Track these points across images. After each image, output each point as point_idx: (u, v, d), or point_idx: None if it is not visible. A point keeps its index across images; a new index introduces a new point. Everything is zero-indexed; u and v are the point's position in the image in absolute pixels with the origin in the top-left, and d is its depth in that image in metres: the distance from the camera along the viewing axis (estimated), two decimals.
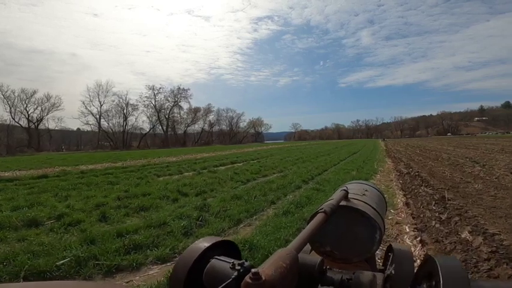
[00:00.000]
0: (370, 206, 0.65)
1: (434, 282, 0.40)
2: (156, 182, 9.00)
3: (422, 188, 7.76)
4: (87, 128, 77.07)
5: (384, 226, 0.66)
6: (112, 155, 31.73)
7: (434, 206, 6.18)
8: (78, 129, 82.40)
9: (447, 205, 6.30)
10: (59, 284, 0.34)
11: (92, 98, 73.67)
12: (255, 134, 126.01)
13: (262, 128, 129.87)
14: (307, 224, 0.53)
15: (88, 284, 0.42)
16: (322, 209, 0.56)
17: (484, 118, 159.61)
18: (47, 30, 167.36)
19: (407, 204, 6.38)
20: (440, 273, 0.38)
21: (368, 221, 0.62)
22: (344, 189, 0.68)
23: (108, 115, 76.22)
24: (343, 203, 0.64)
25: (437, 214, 5.64)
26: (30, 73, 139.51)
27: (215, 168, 12.50)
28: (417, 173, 10.13)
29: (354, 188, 0.75)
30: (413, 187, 7.97)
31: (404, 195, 7.08)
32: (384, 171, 11.15)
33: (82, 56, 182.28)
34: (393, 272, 0.55)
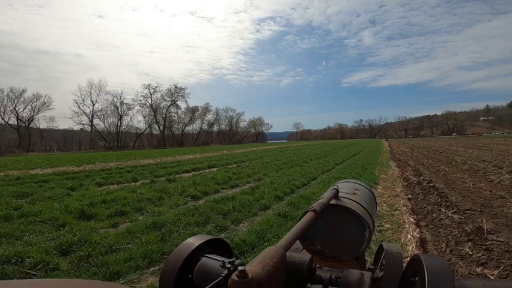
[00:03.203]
0: (360, 204, 0.64)
1: (420, 281, 0.40)
2: (79, 195, 6.71)
3: (442, 209, 5.38)
4: (85, 127, 74.89)
5: (374, 225, 0.64)
6: (93, 156, 29.51)
7: (468, 247, 3.82)
8: (81, 129, 79.76)
9: (488, 243, 3.95)
10: (58, 282, 0.34)
11: (84, 97, 71.36)
12: (256, 134, 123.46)
13: (263, 128, 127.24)
14: (298, 222, 0.50)
15: (86, 282, 0.40)
16: (312, 207, 0.55)
17: (489, 118, 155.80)
18: (52, 31, 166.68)
19: (422, 242, 4.02)
20: (426, 272, 0.38)
21: (357, 220, 0.60)
22: (335, 188, 0.66)
23: (103, 115, 74.04)
24: (333, 201, 0.62)
25: (478, 268, 3.28)
26: (36, 73, 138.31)
27: (177, 176, 10.16)
28: (430, 183, 7.74)
29: (344, 186, 0.73)
30: (429, 207, 5.59)
31: (417, 222, 4.71)
32: (387, 180, 8.75)
33: (86, 57, 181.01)
34: (382, 271, 0.53)
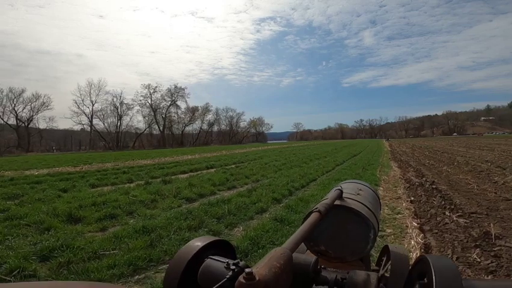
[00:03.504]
0: (364, 205, 0.62)
1: (427, 281, 0.40)
2: (70, 196, 6.50)
3: (446, 212, 5.16)
4: (85, 128, 74.40)
5: (378, 225, 0.62)
6: (90, 156, 29.31)
7: (475, 253, 3.60)
8: (82, 129, 79.13)
9: (496, 249, 3.73)
10: (57, 284, 0.36)
11: (83, 97, 71.04)
12: (256, 134, 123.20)
13: (263, 128, 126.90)
14: (302, 223, 0.51)
15: (86, 284, 0.41)
16: (316, 208, 0.54)
17: (490, 118, 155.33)
18: (53, 32, 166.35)
19: (427, 248, 3.80)
20: (433, 272, 0.38)
21: (362, 220, 0.60)
22: (339, 189, 0.65)
23: (103, 115, 73.73)
24: (337, 202, 0.61)
25: (488, 277, 3.06)
26: (37, 74, 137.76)
27: (173, 177, 9.93)
28: (433, 185, 7.52)
29: (348, 187, 0.72)
30: (432, 210, 5.37)
31: (420, 227, 4.48)
32: (389, 181, 8.53)
33: (87, 57, 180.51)
34: (387, 271, 0.53)
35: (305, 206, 5.28)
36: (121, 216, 4.99)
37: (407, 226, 4.38)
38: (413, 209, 5.33)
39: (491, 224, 4.28)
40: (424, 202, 5.95)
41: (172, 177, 9.93)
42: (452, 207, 5.38)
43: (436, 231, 4.38)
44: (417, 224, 4.50)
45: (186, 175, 10.77)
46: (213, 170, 12.48)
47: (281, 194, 6.59)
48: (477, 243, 3.89)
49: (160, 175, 10.55)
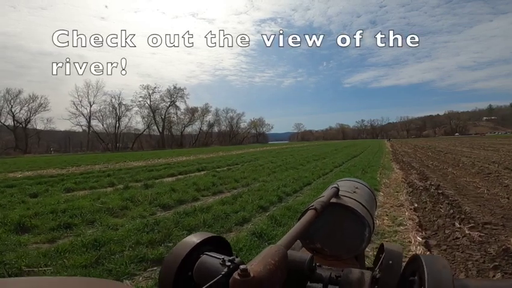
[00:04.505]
0: (360, 203, 0.62)
1: (419, 280, 0.40)
2: (35, 202, 5.85)
3: (455, 222, 4.45)
4: (83, 129, 73.67)
5: (373, 224, 0.63)
6: (82, 157, 28.71)
7: (495, 276, 2.91)
8: (84, 130, 78.20)
9: None
10: (58, 279, 0.33)
11: (81, 98, 70.42)
12: (257, 135, 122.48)
13: (264, 128, 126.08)
14: (298, 220, 0.51)
15: (89, 280, 0.40)
16: (312, 206, 0.54)
17: (492, 117, 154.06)
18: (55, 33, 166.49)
19: None
20: (425, 272, 0.38)
21: (357, 219, 0.60)
22: (335, 187, 0.64)
23: (101, 116, 73.15)
24: (333, 200, 0.61)
25: None
26: (39, 75, 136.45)
27: (158, 181, 9.26)
28: (438, 189, 6.81)
29: (345, 185, 0.71)
30: (439, 220, 4.67)
31: (426, 242, 3.78)
32: (390, 185, 7.84)
33: (89, 58, 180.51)
34: (381, 270, 0.50)
35: (292, 216, 4.59)
36: (79, 225, 4.35)
37: (410, 242, 3.68)
38: (417, 219, 4.63)
39: (511, 239, 3.59)
40: (430, 210, 5.26)
41: (157, 180, 9.26)
42: (462, 216, 4.68)
43: (445, 247, 3.69)
44: (423, 238, 3.81)
45: (173, 178, 10.08)
46: (203, 172, 11.80)
47: (269, 200, 5.90)
48: (496, 263, 3.21)
49: (144, 178, 9.89)
